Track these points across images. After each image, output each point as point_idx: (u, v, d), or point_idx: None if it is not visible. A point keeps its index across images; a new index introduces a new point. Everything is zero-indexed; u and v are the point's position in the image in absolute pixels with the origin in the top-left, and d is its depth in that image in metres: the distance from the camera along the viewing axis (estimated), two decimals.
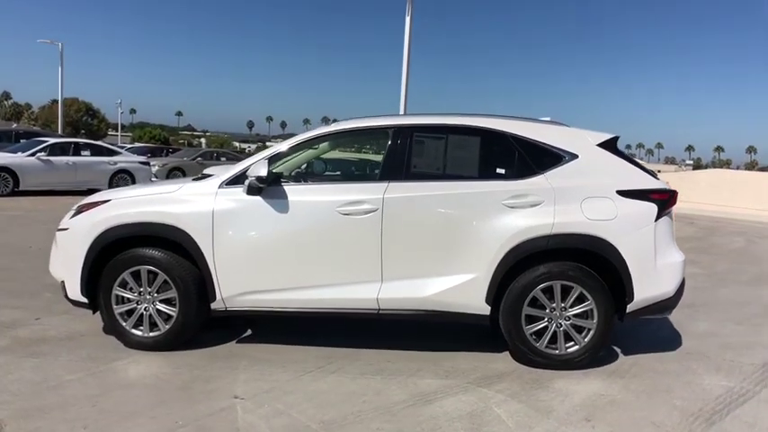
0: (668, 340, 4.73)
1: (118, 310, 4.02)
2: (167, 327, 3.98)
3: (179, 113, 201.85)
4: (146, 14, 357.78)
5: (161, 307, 3.99)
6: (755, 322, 5.48)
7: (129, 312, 4.02)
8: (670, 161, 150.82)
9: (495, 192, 3.93)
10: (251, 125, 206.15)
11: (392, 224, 3.87)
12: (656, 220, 3.96)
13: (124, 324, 4.02)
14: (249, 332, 4.52)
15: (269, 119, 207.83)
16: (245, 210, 3.92)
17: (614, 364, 4.11)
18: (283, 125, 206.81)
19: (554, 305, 3.92)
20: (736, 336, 4.99)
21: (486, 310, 3.93)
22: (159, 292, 3.98)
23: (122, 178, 15.35)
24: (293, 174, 4.40)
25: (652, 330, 4.97)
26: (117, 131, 67.24)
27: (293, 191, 3.98)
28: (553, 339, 3.94)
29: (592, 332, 3.92)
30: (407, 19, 16.81)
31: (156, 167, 19.21)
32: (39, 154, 14.21)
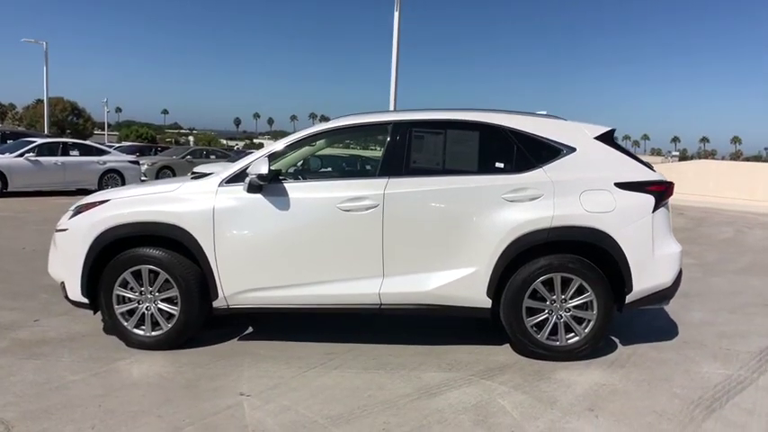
0: (665, 330, 4.80)
1: (119, 309, 4.00)
2: (169, 326, 3.97)
3: (165, 112, 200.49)
4: (129, 12, 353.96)
5: (163, 306, 3.98)
6: (749, 311, 5.57)
7: (131, 312, 4.01)
8: (656, 152, 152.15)
9: (495, 186, 3.96)
10: (238, 122, 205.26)
11: (393, 219, 3.89)
12: (653, 212, 4.01)
13: (125, 324, 4.01)
14: (250, 329, 4.52)
15: (256, 116, 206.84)
16: (246, 207, 3.92)
17: (613, 355, 4.16)
18: (270, 122, 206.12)
19: (554, 297, 3.96)
20: (730, 324, 5.07)
21: (487, 303, 3.96)
22: (161, 291, 3.97)
23: (112, 178, 15.21)
24: (292, 171, 4.41)
25: (648, 320, 5.03)
26: (103, 131, 66.66)
27: (293, 188, 3.98)
28: (554, 331, 3.98)
29: (592, 323, 3.96)
30: (396, 14, 16.81)
31: (146, 166, 19.06)
32: (27, 154, 14.04)
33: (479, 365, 3.89)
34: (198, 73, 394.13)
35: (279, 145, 4.21)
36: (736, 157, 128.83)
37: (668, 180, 4.19)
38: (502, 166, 4.07)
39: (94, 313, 4.14)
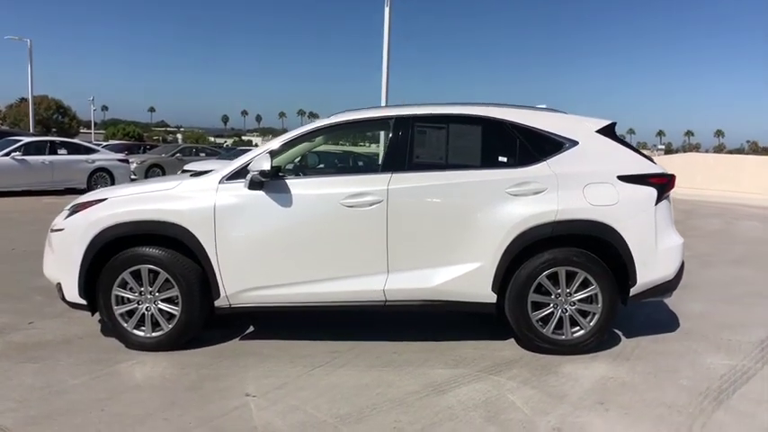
0: (666, 322, 4.82)
1: (118, 310, 3.92)
2: (170, 326, 3.90)
3: (152, 109, 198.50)
4: (114, 10, 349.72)
5: (163, 306, 3.91)
6: (746, 302, 5.60)
7: (130, 313, 3.93)
8: (642, 146, 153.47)
9: (499, 180, 3.93)
10: (226, 119, 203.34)
11: (397, 215, 3.85)
12: (656, 204, 4.01)
13: (125, 325, 3.93)
14: (252, 329, 4.46)
15: (244, 113, 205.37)
16: (248, 204, 3.86)
17: (618, 348, 4.16)
18: (258, 119, 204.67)
19: (559, 291, 3.95)
20: (729, 315, 5.10)
21: (492, 298, 3.94)
22: (161, 291, 3.90)
23: (101, 177, 14.99)
24: (291, 167, 4.36)
25: (648, 313, 5.04)
26: (89, 129, 65.86)
27: (295, 184, 3.92)
28: (559, 325, 3.97)
29: (597, 316, 3.96)
30: (386, 9, 16.73)
31: (135, 164, 18.83)
32: (13, 153, 13.81)
33: (486, 361, 3.87)
34: (184, 71, 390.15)
35: (278, 142, 4.15)
36: (719, 149, 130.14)
37: (670, 173, 4.19)
38: (505, 160, 4.04)
39: (92, 314, 4.06)
